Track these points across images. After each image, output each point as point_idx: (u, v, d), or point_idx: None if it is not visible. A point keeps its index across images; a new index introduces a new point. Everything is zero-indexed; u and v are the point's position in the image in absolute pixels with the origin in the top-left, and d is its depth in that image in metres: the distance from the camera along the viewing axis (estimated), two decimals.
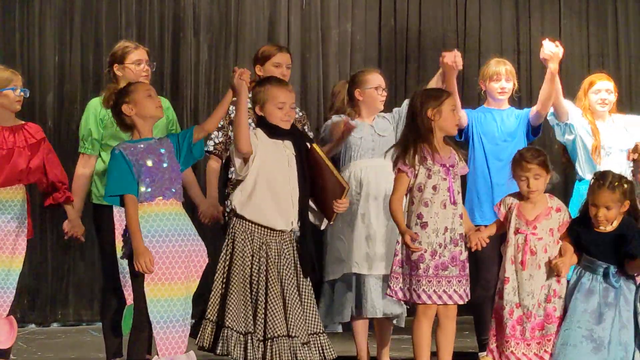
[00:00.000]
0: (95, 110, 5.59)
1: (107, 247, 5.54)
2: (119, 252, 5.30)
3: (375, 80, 5.97)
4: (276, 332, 4.86)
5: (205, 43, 8.21)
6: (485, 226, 5.84)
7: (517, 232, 5.15)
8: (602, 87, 6.32)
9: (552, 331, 5.09)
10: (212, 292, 4.96)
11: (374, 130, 5.90)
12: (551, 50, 6.05)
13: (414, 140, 5.12)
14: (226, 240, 5.02)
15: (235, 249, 4.95)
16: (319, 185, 5.10)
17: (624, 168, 5.84)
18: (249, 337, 4.85)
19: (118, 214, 5.42)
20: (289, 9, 8.38)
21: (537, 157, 5.13)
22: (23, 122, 5.61)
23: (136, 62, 5.62)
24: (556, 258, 5.07)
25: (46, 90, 7.87)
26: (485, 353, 6.04)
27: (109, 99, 5.13)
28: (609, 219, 5.04)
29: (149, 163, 4.71)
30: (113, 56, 5.69)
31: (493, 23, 8.90)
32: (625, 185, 5.06)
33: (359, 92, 5.96)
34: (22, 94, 5.53)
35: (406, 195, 5.17)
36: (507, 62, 6.29)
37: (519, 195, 5.21)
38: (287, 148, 5.04)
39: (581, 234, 5.11)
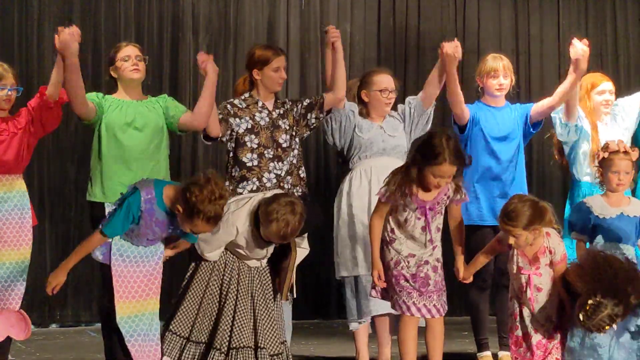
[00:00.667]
0: (98, 96, 5.60)
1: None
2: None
3: (381, 83, 5.93)
4: (242, 342, 4.93)
5: (204, 43, 8.20)
6: (482, 227, 5.85)
7: (519, 271, 5.11)
8: (606, 89, 6.27)
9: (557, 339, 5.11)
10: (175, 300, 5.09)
11: (383, 131, 5.87)
12: (583, 48, 5.97)
13: (402, 178, 5.10)
14: (196, 252, 5.11)
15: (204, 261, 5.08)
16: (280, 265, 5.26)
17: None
18: (190, 344, 4.98)
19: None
20: (288, 9, 8.38)
21: None
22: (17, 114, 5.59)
23: (123, 58, 5.61)
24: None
25: None
26: (483, 354, 6.07)
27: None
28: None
29: (149, 234, 4.82)
30: (108, 59, 5.71)
31: (492, 23, 8.90)
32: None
33: (365, 93, 5.94)
34: (10, 93, 5.49)
35: None
36: (503, 58, 6.24)
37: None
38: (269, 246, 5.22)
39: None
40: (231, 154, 5.65)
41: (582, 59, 6.00)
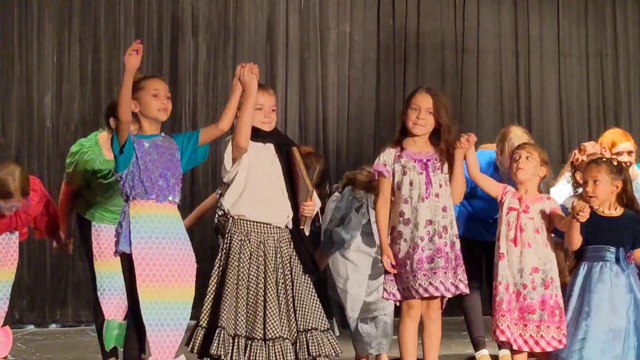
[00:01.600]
0: (80, 156, 5.61)
1: (90, 255, 5.63)
2: (96, 269, 5.50)
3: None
4: (276, 333, 4.85)
5: (203, 43, 8.20)
6: (482, 241, 5.84)
7: (509, 210, 5.15)
8: (624, 149, 6.00)
9: (545, 318, 5.07)
10: (206, 297, 4.95)
11: None
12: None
13: (392, 141, 5.13)
14: (222, 244, 4.99)
15: (232, 252, 4.93)
16: (295, 189, 5.11)
17: None
18: (237, 340, 4.84)
19: (95, 229, 5.57)
20: (287, 9, 8.38)
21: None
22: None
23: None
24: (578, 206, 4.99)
25: (44, 90, 7.87)
26: (480, 352, 6.08)
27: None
28: (598, 195, 5.08)
29: (149, 161, 4.70)
30: (110, 107, 5.59)
31: (491, 23, 8.90)
32: (615, 163, 5.16)
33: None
34: (14, 209, 5.45)
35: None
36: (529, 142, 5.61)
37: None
38: (267, 149, 5.04)
39: (589, 223, 5.05)
40: None
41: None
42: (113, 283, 5.54)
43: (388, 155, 5.09)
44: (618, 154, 5.93)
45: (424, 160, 5.07)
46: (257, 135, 4.96)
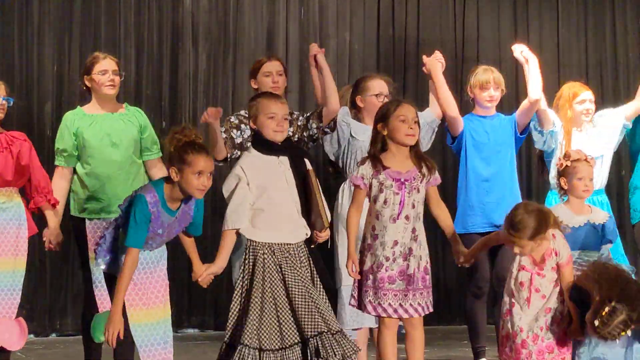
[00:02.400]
0: (70, 124, 5.63)
1: (84, 256, 5.65)
2: (92, 262, 5.45)
3: (376, 87, 5.95)
4: (291, 340, 4.84)
5: (203, 53, 8.22)
6: (480, 234, 5.84)
7: (521, 268, 5.08)
8: (586, 98, 6.34)
9: (558, 352, 5.07)
10: (230, 313, 4.94)
11: None
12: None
13: (371, 154, 5.11)
14: (244, 260, 4.98)
15: (256, 267, 4.92)
16: (308, 207, 5.12)
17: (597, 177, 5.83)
18: (265, 355, 4.82)
19: (90, 225, 5.58)
20: (287, 18, 8.40)
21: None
22: (5, 131, 5.60)
23: (101, 72, 5.66)
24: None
25: (44, 99, 7.88)
26: None
27: (172, 143, 4.80)
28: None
29: (160, 232, 4.78)
30: (84, 67, 5.73)
31: (491, 32, 8.92)
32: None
33: (360, 99, 5.95)
34: (4, 102, 5.52)
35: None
36: (494, 70, 6.29)
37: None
38: (282, 164, 5.04)
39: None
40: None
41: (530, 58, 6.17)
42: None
43: (366, 169, 5.06)
44: (581, 102, 6.30)
45: (402, 180, 5.05)
46: (271, 148, 4.97)
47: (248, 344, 4.76)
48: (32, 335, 7.77)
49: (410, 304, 5.02)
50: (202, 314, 8.06)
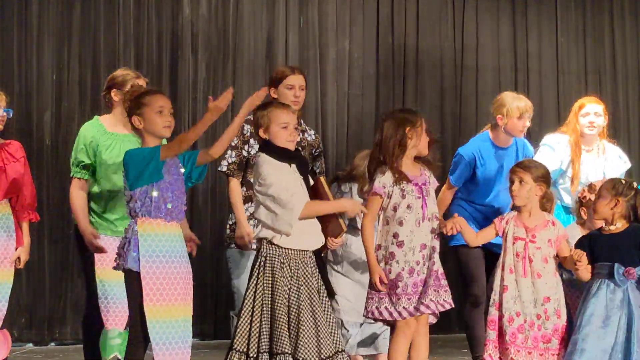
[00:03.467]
0: (84, 137, 5.60)
1: (88, 267, 5.56)
2: (98, 278, 5.39)
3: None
4: (308, 356, 4.82)
5: (203, 61, 8.22)
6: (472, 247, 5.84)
7: (516, 240, 5.17)
8: (591, 110, 6.22)
9: (556, 346, 5.09)
10: (240, 321, 4.91)
11: None
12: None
13: (387, 162, 5.11)
14: (257, 266, 4.96)
15: (275, 275, 4.87)
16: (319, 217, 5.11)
17: None
18: (282, 358, 4.81)
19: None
20: (286, 26, 8.40)
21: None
22: (7, 141, 5.58)
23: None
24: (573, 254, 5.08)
25: (44, 108, 7.88)
26: None
27: (125, 100, 4.90)
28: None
29: (162, 181, 4.72)
30: (113, 81, 5.66)
31: (490, 40, 8.92)
32: (621, 182, 5.26)
33: None
34: (4, 114, 5.50)
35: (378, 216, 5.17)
36: (526, 99, 6.08)
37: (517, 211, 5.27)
38: (294, 172, 5.04)
39: (594, 243, 5.11)
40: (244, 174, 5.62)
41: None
42: (116, 291, 5.53)
43: (388, 178, 5.09)
44: (585, 115, 6.20)
45: (420, 184, 5.11)
46: (284, 155, 4.97)
47: (287, 351, 4.76)
48: (31, 344, 7.78)
49: (431, 300, 5.06)
50: (201, 323, 8.05)
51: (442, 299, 5.08)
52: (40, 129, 7.89)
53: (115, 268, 4.81)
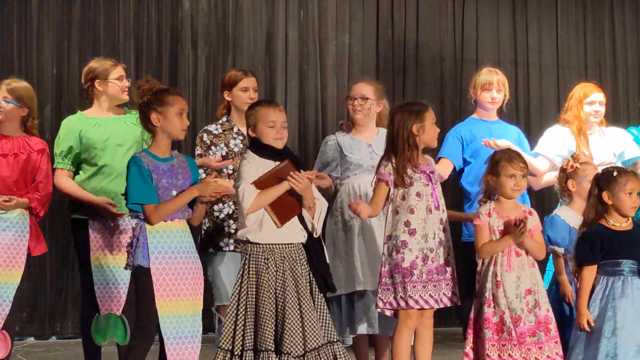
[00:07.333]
0: (73, 126, 5.65)
1: (84, 258, 5.64)
2: (94, 263, 5.51)
3: (352, 91, 5.99)
4: (294, 349, 4.84)
5: (203, 55, 8.22)
6: None
7: (501, 234, 5.10)
8: (596, 99, 6.34)
9: (543, 339, 5.04)
10: (226, 319, 4.94)
11: (372, 150, 5.88)
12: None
13: (397, 155, 5.15)
14: (241, 265, 4.99)
15: (259, 272, 4.91)
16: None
17: None
18: (266, 355, 4.83)
19: (94, 227, 5.59)
20: (286, 21, 8.40)
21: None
22: (29, 135, 5.59)
23: (119, 78, 5.75)
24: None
25: (44, 102, 7.88)
26: None
27: (142, 94, 4.90)
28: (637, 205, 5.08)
29: (165, 184, 4.76)
30: (94, 73, 5.73)
31: (490, 34, 8.92)
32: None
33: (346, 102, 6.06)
34: (3, 105, 5.53)
35: (386, 205, 5.18)
36: (498, 72, 6.29)
37: (489, 199, 5.20)
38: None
39: (607, 239, 5.02)
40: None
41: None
42: (111, 276, 5.57)
43: (393, 167, 5.13)
44: (590, 103, 6.31)
45: (427, 172, 5.14)
46: (270, 153, 5.01)
47: (270, 348, 4.78)
48: (32, 338, 7.80)
49: (444, 294, 5.12)
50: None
51: (452, 292, 5.15)
52: (41, 123, 7.84)
53: (125, 268, 4.86)
